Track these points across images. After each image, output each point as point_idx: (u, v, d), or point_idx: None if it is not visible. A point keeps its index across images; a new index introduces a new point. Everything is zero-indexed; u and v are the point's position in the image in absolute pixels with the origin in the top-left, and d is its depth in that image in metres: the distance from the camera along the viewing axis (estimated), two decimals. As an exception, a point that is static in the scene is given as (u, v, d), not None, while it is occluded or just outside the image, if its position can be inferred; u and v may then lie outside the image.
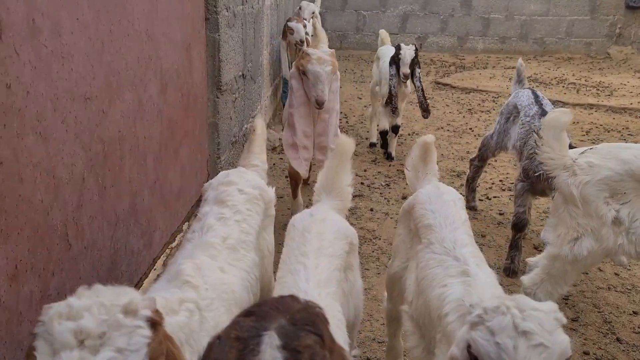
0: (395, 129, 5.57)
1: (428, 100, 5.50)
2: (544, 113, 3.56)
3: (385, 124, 5.52)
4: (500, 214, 4.52)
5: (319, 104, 3.41)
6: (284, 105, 6.36)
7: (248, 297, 1.81)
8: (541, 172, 3.20)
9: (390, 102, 5.26)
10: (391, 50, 5.56)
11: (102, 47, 1.91)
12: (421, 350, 1.90)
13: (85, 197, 1.83)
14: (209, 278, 1.68)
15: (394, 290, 2.30)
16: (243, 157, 2.58)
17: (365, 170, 5.37)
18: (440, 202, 2.07)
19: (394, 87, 5.21)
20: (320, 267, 1.68)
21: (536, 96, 3.86)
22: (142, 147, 2.31)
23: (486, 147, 4.33)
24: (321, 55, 3.49)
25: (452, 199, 2.12)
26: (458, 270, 1.77)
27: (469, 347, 1.34)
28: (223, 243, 1.84)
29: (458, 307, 1.64)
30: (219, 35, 3.38)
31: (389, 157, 5.67)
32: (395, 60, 5.21)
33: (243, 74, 4.41)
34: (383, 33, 6.32)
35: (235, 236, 1.89)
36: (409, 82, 5.39)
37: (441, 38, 12.00)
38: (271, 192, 2.29)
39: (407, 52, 5.13)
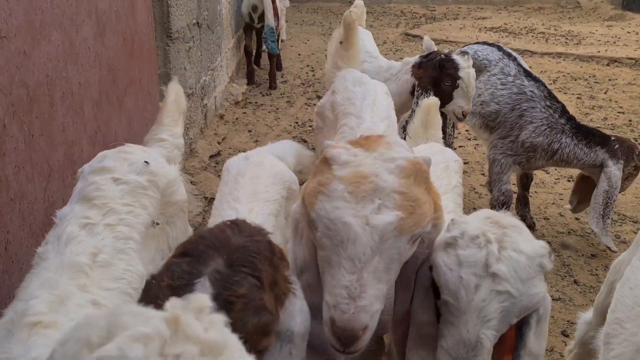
0: None
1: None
2: (527, 73, 3.25)
3: None
4: (466, 163, 4.51)
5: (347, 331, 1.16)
6: (269, 56, 6.02)
7: None
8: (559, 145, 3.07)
9: None
10: (367, 37, 3.74)
11: (19, -19, 1.74)
12: None
13: (7, 145, 1.70)
14: (75, 315, 1.21)
15: None
16: (151, 130, 2.01)
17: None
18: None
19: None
20: (254, 212, 1.61)
21: (500, 48, 3.46)
22: (78, 94, 2.17)
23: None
24: (364, 167, 1.19)
25: (444, 160, 1.90)
26: None
27: (430, 268, 1.25)
28: (93, 262, 1.35)
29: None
30: (165, -22, 3.19)
31: None
32: (435, 83, 2.86)
33: (198, 22, 4.21)
34: (359, 3, 3.96)
35: (108, 248, 1.39)
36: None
37: (411, -11, 11.74)
38: (171, 172, 1.70)
39: (472, 75, 2.82)
